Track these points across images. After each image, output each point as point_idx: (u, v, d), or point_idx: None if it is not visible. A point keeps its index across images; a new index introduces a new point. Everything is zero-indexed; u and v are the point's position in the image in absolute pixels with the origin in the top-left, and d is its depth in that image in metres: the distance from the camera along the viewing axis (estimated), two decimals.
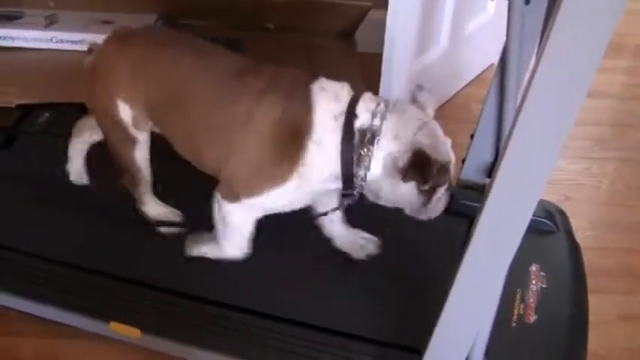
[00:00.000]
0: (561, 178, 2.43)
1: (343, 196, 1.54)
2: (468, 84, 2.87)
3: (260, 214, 1.60)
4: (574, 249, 1.86)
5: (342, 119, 1.46)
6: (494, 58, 2.85)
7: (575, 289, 1.73)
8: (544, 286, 1.71)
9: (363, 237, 1.81)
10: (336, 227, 1.79)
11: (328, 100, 1.48)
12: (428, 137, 1.44)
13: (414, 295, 1.69)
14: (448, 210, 1.89)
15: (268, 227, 1.70)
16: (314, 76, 1.53)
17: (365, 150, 1.44)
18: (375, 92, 2.32)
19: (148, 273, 1.71)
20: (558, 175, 2.42)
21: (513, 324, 1.61)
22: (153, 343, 1.61)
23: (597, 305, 1.76)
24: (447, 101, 2.76)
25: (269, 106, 1.49)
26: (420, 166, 1.43)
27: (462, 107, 2.73)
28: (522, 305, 1.65)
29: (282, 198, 1.54)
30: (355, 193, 1.51)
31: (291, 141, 1.47)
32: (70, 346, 1.77)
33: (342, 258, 1.78)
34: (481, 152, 1.93)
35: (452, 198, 1.89)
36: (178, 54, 1.63)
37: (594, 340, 1.64)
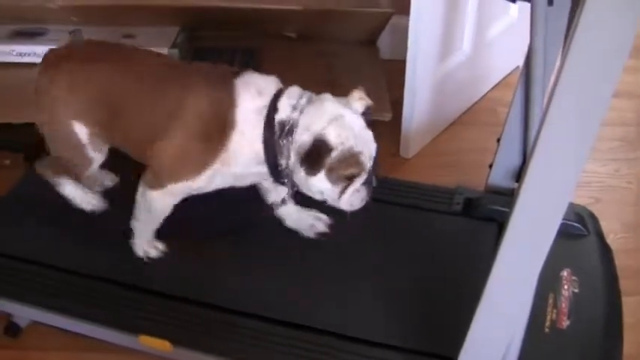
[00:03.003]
0: (590, 180, 2.40)
1: (279, 183, 1.65)
2: (493, 88, 2.85)
3: (181, 197, 1.68)
4: (605, 252, 1.84)
5: (264, 112, 1.55)
6: (519, 61, 2.83)
7: (608, 292, 1.71)
8: (576, 290, 1.68)
9: (314, 216, 1.87)
10: (286, 208, 1.87)
11: (251, 95, 1.56)
12: (338, 128, 1.51)
13: (444, 301, 1.68)
14: (477, 215, 1.90)
15: (294, 239, 1.71)
16: (241, 70, 1.62)
17: (284, 141, 1.54)
18: (400, 99, 2.37)
19: (178, 285, 1.72)
20: (587, 177, 2.39)
21: (546, 330, 1.59)
22: (183, 356, 1.61)
23: (631, 308, 1.74)
24: (472, 106, 2.74)
25: (194, 98, 1.57)
26: (315, 155, 1.51)
27: (488, 111, 2.71)
28: (555, 311, 1.62)
29: (205, 181, 1.62)
30: (285, 181, 1.60)
31: (216, 131, 1.56)
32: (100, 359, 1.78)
33: (371, 266, 1.77)
34: (508, 156, 1.91)
35: (480, 203, 1.90)
36: (110, 63, 1.70)
37: (629, 344, 1.62)
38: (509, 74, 2.91)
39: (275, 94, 1.57)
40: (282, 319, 1.64)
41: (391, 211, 1.94)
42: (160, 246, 1.79)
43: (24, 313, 1.77)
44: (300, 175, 1.55)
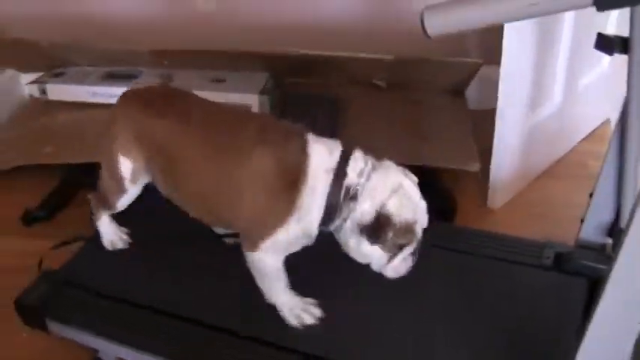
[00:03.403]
0: None
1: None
2: (583, 140, 2.80)
3: (283, 253, 1.67)
4: None
5: (332, 173, 1.56)
6: (610, 113, 2.81)
7: None
8: None
9: None
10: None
11: (323, 152, 1.58)
12: (399, 199, 1.54)
13: (530, 356, 1.62)
14: (567, 270, 1.85)
15: (373, 288, 1.70)
16: (303, 128, 1.64)
17: (347, 205, 1.56)
18: (486, 149, 2.34)
19: (267, 330, 1.70)
20: None
21: None
22: None
23: None
24: (562, 158, 2.70)
25: (263, 157, 1.58)
26: (377, 229, 1.54)
27: (578, 164, 2.66)
28: None
29: (290, 237, 1.61)
30: (325, 231, 1.62)
31: (289, 186, 1.57)
32: None
33: (455, 318, 1.74)
34: (601, 211, 1.86)
35: (571, 258, 1.85)
36: (171, 116, 1.73)
37: None
38: (599, 126, 2.85)
39: (342, 157, 1.58)
40: None
41: (478, 263, 1.91)
42: (315, 310, 1.73)
43: (110, 350, 1.78)
44: (352, 240, 1.59)
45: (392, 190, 1.54)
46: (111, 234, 1.97)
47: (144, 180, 1.83)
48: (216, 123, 1.70)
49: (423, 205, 1.59)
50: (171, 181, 1.76)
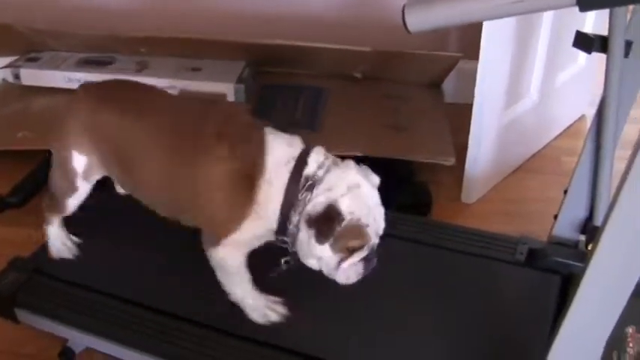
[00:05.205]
0: None
1: (281, 243, 1.61)
2: (558, 136, 2.81)
3: (246, 249, 1.64)
4: None
5: (292, 164, 1.55)
6: (585, 110, 2.82)
7: None
8: None
9: None
10: None
11: (282, 145, 1.57)
12: (353, 199, 1.51)
13: (502, 352, 1.63)
14: (540, 266, 1.86)
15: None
16: (263, 123, 1.63)
17: (303, 195, 1.52)
18: (461, 143, 2.35)
19: (244, 324, 1.69)
20: None
21: None
22: None
23: None
24: (536, 153, 2.71)
25: (224, 154, 1.56)
26: (326, 223, 1.49)
27: (552, 160, 2.67)
28: None
29: (251, 233, 1.60)
30: (288, 240, 1.58)
31: (247, 181, 1.55)
32: None
33: (428, 313, 1.74)
34: (575, 208, 1.87)
35: (544, 254, 1.86)
36: (128, 109, 1.70)
37: None
38: (574, 123, 2.87)
39: (304, 149, 1.57)
40: None
41: (451, 257, 1.91)
42: (279, 308, 1.71)
43: (79, 340, 1.78)
44: (304, 235, 1.54)
45: (348, 188, 1.51)
46: (58, 241, 1.91)
47: (96, 177, 1.79)
48: (174, 118, 1.68)
49: (379, 210, 1.56)
50: (130, 177, 1.73)
